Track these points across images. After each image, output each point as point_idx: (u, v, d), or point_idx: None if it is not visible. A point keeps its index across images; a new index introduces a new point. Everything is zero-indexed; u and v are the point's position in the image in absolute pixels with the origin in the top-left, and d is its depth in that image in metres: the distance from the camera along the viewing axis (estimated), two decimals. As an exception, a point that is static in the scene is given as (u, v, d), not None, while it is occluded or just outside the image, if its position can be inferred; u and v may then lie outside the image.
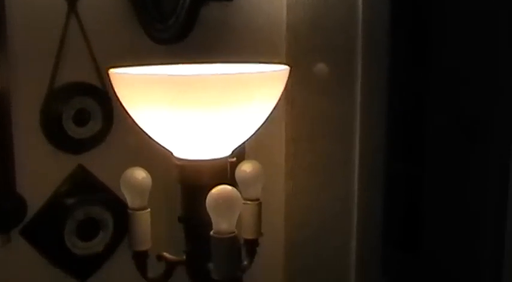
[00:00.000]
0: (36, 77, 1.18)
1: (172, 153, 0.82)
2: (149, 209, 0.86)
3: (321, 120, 1.22)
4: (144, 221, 0.85)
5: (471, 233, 1.57)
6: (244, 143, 0.83)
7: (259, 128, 0.80)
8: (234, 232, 0.73)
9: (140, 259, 0.85)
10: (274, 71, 0.78)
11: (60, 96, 1.22)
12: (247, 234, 0.89)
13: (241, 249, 0.89)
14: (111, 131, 1.26)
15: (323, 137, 1.23)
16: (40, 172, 1.21)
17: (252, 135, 0.81)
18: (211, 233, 0.73)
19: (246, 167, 0.88)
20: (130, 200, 0.85)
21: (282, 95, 0.80)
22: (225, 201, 0.72)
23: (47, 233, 1.24)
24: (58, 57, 1.18)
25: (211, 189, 0.73)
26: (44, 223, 1.23)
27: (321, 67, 1.21)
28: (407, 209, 1.54)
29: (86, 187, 1.28)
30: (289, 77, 0.79)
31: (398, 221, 1.43)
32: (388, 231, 1.39)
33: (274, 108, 0.80)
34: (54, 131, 1.22)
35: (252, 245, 0.89)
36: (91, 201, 1.27)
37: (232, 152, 0.83)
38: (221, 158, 0.81)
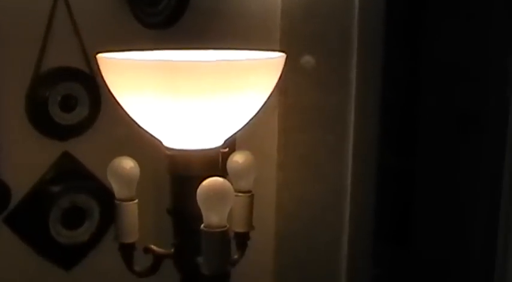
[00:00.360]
0: (22, 61, 1.14)
1: (161, 143, 0.79)
2: (137, 200, 0.83)
3: (314, 111, 1.19)
4: (131, 212, 0.82)
5: (463, 227, 1.57)
6: (236, 133, 0.80)
7: (252, 118, 0.77)
8: (225, 226, 0.71)
9: (127, 251, 0.82)
10: (270, 58, 0.75)
11: (46, 81, 1.19)
12: (238, 227, 0.86)
13: (230, 243, 0.86)
14: (98, 117, 1.24)
15: (316, 127, 1.21)
16: (25, 159, 1.18)
17: (245, 125, 0.78)
18: (202, 226, 0.71)
19: (238, 158, 0.85)
20: (118, 190, 0.82)
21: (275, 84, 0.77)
22: (217, 194, 0.69)
23: (31, 221, 1.21)
24: (45, 41, 1.15)
25: (201, 180, 0.70)
26: (28, 211, 1.20)
27: (315, 56, 1.18)
28: (399, 202, 1.53)
29: (72, 175, 1.26)
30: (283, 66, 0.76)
31: (390, 214, 1.41)
32: (380, 224, 1.37)
33: (269, 97, 0.77)
34: (39, 117, 1.19)
35: (242, 239, 0.87)
36: (77, 189, 1.25)
37: (225, 142, 0.80)
38: (213, 149, 0.78)
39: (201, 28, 1.21)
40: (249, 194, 0.86)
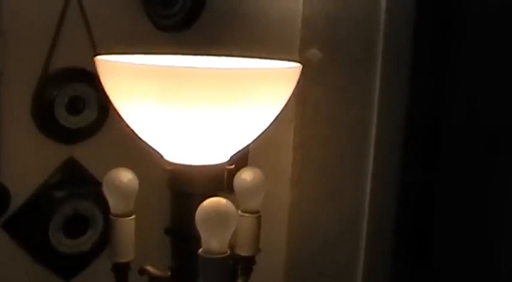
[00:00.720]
0: (30, 60, 1.10)
1: (162, 156, 0.73)
2: (134, 216, 0.77)
3: (333, 124, 1.12)
4: (127, 228, 0.76)
5: (487, 250, 1.48)
6: (247, 147, 0.74)
7: (262, 133, 0.71)
8: (226, 252, 0.64)
9: (120, 272, 0.76)
10: (282, 68, 0.68)
11: (54, 80, 1.14)
12: (243, 250, 0.80)
13: (237, 267, 0.80)
14: (107, 121, 1.18)
15: (334, 142, 1.14)
16: (27, 162, 1.13)
17: (254, 141, 0.71)
18: (200, 251, 0.64)
19: (247, 175, 0.79)
20: (114, 205, 0.76)
21: (292, 94, 0.70)
22: (218, 216, 0.63)
23: (31, 228, 1.16)
24: (55, 40, 1.10)
25: (204, 199, 0.64)
26: (29, 217, 1.15)
27: (335, 65, 1.11)
28: (420, 223, 1.45)
29: (77, 181, 1.20)
30: (301, 75, 0.69)
31: (410, 235, 1.33)
32: (400, 246, 1.29)
33: (282, 110, 0.71)
34: (45, 119, 1.14)
35: (247, 263, 0.80)
36: (81, 195, 1.19)
37: (231, 158, 0.73)
38: (217, 165, 0.71)
39: (217, 32, 1.16)
40: (257, 215, 0.79)
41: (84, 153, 1.18)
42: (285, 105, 0.71)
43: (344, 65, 1.12)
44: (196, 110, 0.64)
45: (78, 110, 1.16)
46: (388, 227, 1.23)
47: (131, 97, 0.65)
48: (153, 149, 0.73)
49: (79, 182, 1.20)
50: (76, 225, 1.17)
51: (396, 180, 1.22)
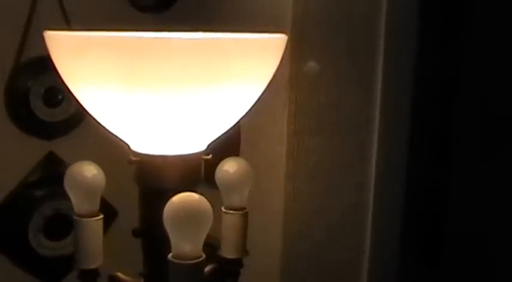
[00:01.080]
0: (1, 49, 1.03)
1: (129, 146, 0.63)
2: (102, 216, 0.67)
3: (332, 111, 1.02)
4: (94, 230, 0.66)
5: (499, 248, 1.38)
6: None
7: (243, 117, 0.61)
8: (200, 257, 0.54)
9: (88, 279, 0.67)
10: (265, 38, 0.59)
11: (28, 70, 1.08)
12: (228, 252, 0.70)
13: (222, 271, 0.70)
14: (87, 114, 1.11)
15: (333, 131, 1.04)
16: (3, 158, 1.07)
17: (235, 125, 0.62)
18: (169, 256, 0.55)
19: (230, 167, 0.69)
20: (77, 204, 0.67)
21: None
22: (189, 215, 0.53)
23: (9, 229, 1.11)
24: (28, 25, 1.03)
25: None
26: (6, 217, 1.10)
27: (333, 44, 1.01)
28: (429, 218, 1.36)
29: (57, 178, 1.10)
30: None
31: (418, 232, 1.23)
32: (407, 244, 1.20)
33: (266, 91, 0.61)
34: (20, 112, 1.08)
35: (234, 266, 0.70)
36: (62, 194, 1.10)
37: (208, 146, 0.64)
38: (193, 155, 0.62)
39: (201, 12, 1.07)
40: (242, 212, 0.70)
41: (65, 148, 1.11)
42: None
43: (343, 44, 1.02)
44: (166, 88, 0.55)
45: (56, 101, 1.10)
46: (394, 222, 1.13)
47: (85, 77, 0.56)
48: (118, 139, 0.63)
49: (60, 179, 1.13)
50: (57, 227, 1.12)
51: (403, 171, 1.12)
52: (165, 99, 0.55)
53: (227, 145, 0.70)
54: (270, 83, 0.61)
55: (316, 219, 1.02)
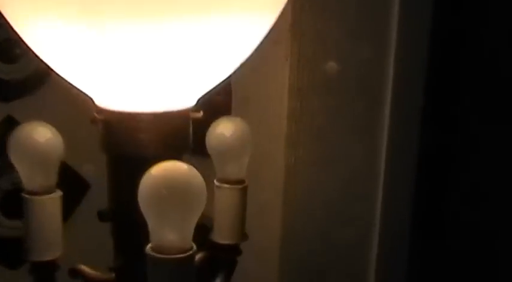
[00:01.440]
0: None
1: (92, 101, 0.48)
2: (60, 193, 0.52)
3: (340, 63, 0.88)
4: (49, 212, 0.51)
5: (509, 220, 1.30)
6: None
7: (241, 64, 0.46)
8: (190, 249, 0.40)
9: (43, 274, 0.52)
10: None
11: None
12: (222, 237, 0.56)
13: (215, 260, 0.57)
14: (52, 72, 0.97)
15: (341, 90, 0.91)
16: None
17: (230, 76, 0.47)
18: (147, 248, 0.40)
19: (225, 129, 0.54)
20: (26, 177, 0.52)
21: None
22: (174, 193, 0.38)
23: None
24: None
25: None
26: None
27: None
28: (441, 189, 1.26)
29: (17, 147, 1.01)
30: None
31: (431, 204, 1.12)
32: (418, 217, 1.09)
33: (264, 40, 0.46)
34: None
35: (229, 254, 0.57)
36: (23, 166, 1.00)
37: (198, 101, 0.49)
38: (178, 112, 0.47)
39: None
40: (241, 186, 0.55)
41: (27, 112, 0.96)
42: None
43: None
44: (140, 17, 0.40)
45: (12, 57, 0.97)
46: (405, 194, 1.01)
47: (33, 13, 0.40)
48: (79, 91, 0.49)
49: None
50: (16, 203, 1.00)
51: (415, 139, 0.99)
52: (139, 33, 0.40)
53: (215, 105, 0.55)
54: (268, 31, 0.46)
55: (320, 192, 0.89)
